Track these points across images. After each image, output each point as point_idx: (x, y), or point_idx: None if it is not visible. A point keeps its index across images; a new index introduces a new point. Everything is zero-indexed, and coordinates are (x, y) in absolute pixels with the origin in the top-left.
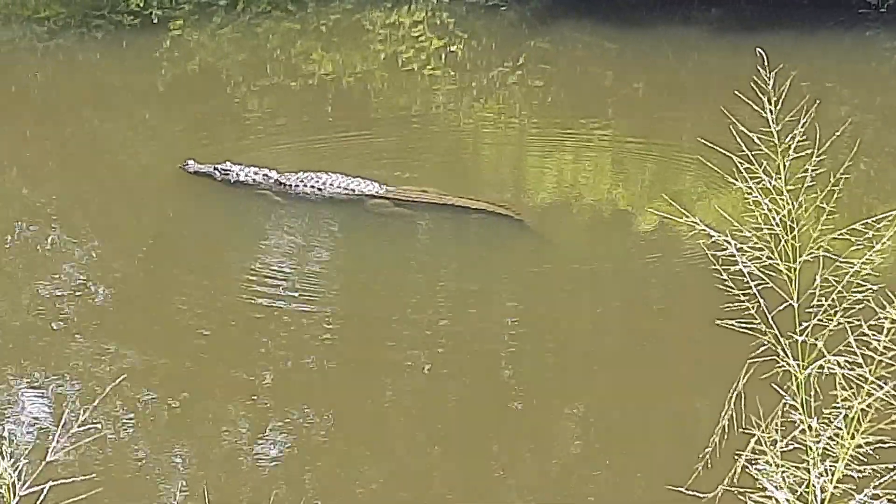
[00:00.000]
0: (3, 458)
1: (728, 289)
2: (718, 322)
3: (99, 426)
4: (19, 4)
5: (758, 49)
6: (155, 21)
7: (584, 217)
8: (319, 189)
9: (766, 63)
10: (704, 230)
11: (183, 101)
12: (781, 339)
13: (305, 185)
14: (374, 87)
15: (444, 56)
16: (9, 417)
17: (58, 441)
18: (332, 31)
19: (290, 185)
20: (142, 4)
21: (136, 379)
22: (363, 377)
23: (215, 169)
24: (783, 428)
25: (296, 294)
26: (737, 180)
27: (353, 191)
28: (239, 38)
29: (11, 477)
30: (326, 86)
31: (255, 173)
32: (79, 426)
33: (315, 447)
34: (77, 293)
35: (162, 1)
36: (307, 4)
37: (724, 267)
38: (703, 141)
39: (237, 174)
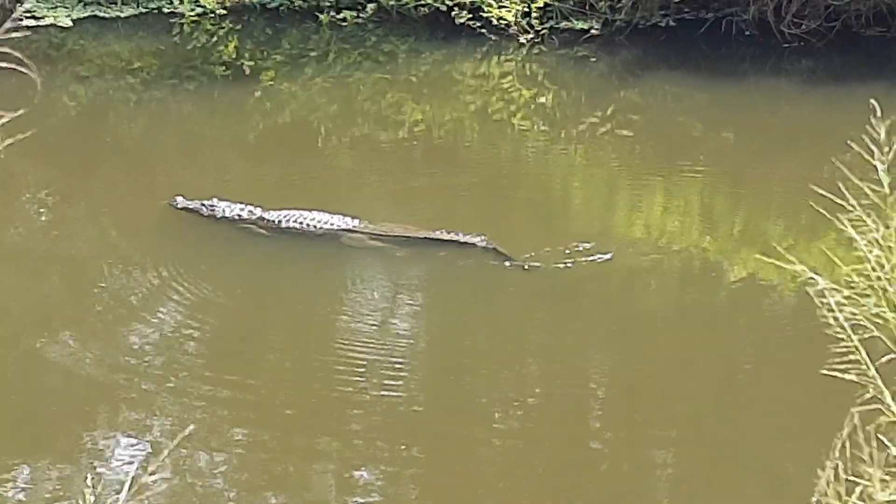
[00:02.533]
0: None
1: (826, 337)
2: (824, 371)
3: (174, 479)
4: (113, 56)
5: (871, 101)
6: (246, 72)
7: (673, 265)
8: (299, 224)
9: (879, 114)
10: (811, 277)
11: (274, 151)
12: (885, 389)
13: (287, 221)
14: (464, 138)
15: (533, 107)
16: (95, 465)
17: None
18: (423, 81)
19: (273, 221)
20: (234, 56)
21: (220, 434)
22: (452, 436)
23: (202, 205)
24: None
25: (384, 348)
26: (833, 228)
27: (332, 226)
28: (330, 88)
29: None
30: (416, 136)
31: (241, 209)
32: (149, 476)
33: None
34: (165, 343)
35: (254, 53)
36: (398, 56)
37: (824, 316)
38: (815, 188)
39: (223, 210)
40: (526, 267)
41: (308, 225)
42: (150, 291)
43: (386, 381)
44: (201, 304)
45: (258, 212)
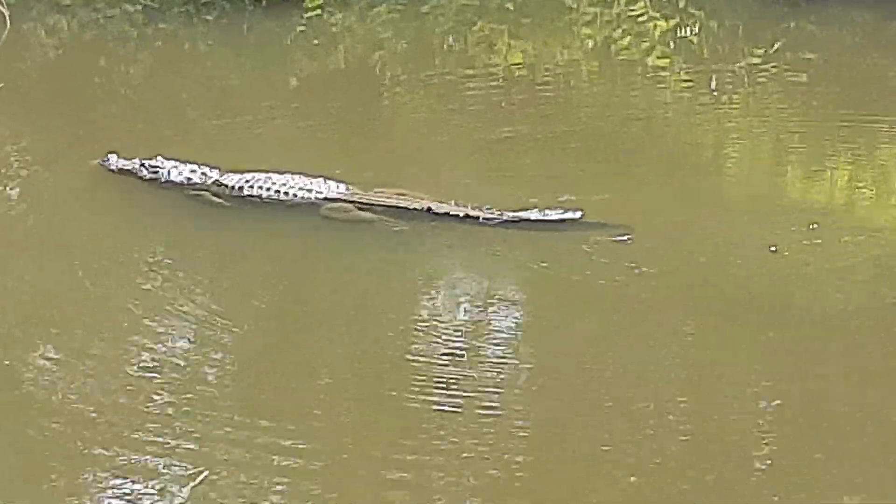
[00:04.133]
0: None
1: None
2: None
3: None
4: None
5: None
6: None
7: (861, 248)
8: (267, 190)
9: None
10: None
11: (322, 103)
12: None
13: (252, 187)
14: (580, 85)
15: (672, 43)
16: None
17: None
18: (523, 9)
19: (233, 187)
20: None
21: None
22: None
23: (142, 165)
24: None
25: (453, 351)
26: None
27: (310, 192)
28: (397, 19)
29: None
30: (514, 82)
31: (192, 171)
32: None
33: None
34: (178, 354)
35: None
36: None
37: None
38: None
39: (169, 172)
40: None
41: (279, 192)
42: (149, 284)
43: (471, 394)
44: (221, 299)
45: (214, 175)
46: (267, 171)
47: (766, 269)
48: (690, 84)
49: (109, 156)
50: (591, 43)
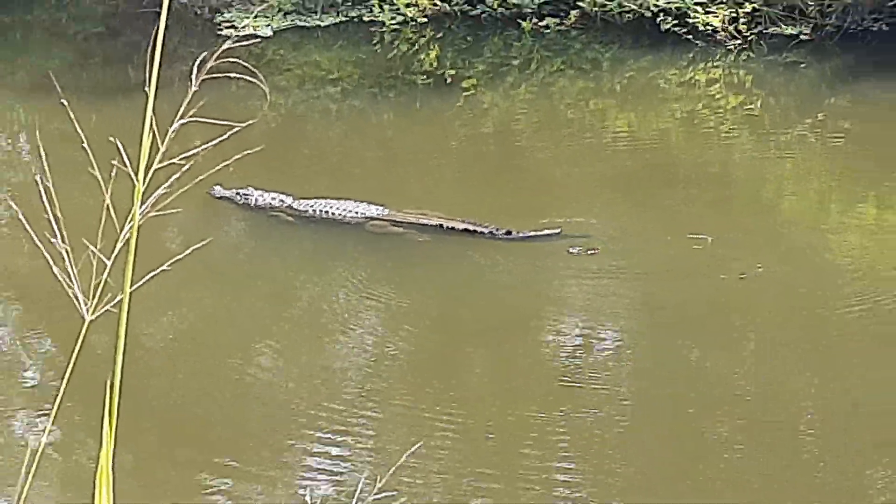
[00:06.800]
0: None
1: None
2: None
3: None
4: (313, 65)
5: None
6: (448, 81)
7: (889, 291)
8: (327, 212)
9: None
10: None
11: (478, 160)
12: None
13: (315, 210)
14: (672, 147)
15: (741, 114)
16: (315, 483)
17: None
18: (627, 89)
19: (302, 210)
20: (435, 64)
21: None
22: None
23: (237, 193)
24: None
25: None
26: None
27: (358, 213)
28: (533, 98)
29: None
30: (621, 145)
31: (273, 198)
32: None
33: None
34: (376, 359)
35: (455, 61)
36: (601, 63)
37: None
38: None
39: (256, 199)
40: (573, 252)
41: (336, 213)
42: (345, 304)
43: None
44: (395, 316)
45: (289, 200)
46: (326, 199)
47: (787, 293)
48: (754, 146)
49: (214, 186)
50: (679, 114)
